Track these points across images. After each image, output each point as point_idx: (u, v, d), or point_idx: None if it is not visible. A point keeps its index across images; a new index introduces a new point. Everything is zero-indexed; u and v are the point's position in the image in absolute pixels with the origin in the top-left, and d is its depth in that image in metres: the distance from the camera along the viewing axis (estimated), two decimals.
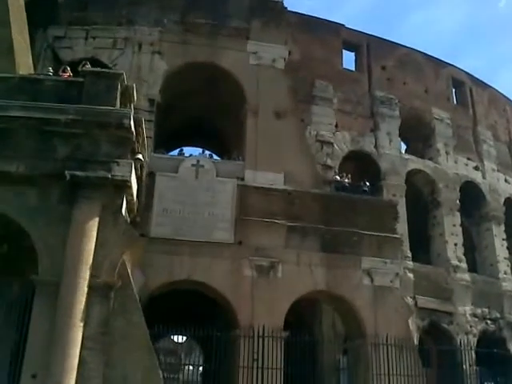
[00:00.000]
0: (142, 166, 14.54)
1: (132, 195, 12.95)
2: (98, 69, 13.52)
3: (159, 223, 17.53)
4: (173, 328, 14.92)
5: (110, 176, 11.69)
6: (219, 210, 18.01)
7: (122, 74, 12.90)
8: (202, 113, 22.95)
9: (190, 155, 19.81)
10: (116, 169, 11.82)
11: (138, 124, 12.88)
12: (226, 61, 20.31)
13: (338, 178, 21.26)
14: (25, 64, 13.74)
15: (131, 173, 12.10)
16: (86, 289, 11.08)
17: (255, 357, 15.20)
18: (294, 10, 24.23)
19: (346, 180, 21.02)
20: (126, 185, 12.10)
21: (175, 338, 35.93)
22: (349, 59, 27.40)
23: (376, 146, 25.27)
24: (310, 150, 21.56)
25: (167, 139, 21.77)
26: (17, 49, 13.08)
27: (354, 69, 27.51)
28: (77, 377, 10.52)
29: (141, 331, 11.47)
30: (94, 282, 11.21)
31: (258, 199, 18.45)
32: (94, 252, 11.41)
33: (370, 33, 27.77)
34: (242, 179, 18.89)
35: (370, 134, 25.48)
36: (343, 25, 26.97)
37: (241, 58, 20.41)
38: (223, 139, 24.85)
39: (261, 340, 14.98)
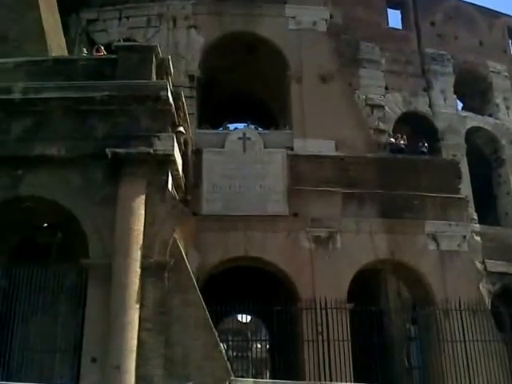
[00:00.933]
0: (186, 142, 14.10)
1: (177, 170, 12.51)
2: (131, 43, 13.11)
3: (210, 200, 17.14)
4: (234, 305, 14.50)
5: (151, 151, 11.27)
6: (270, 181, 17.45)
7: (156, 46, 12.45)
8: (245, 86, 22.29)
9: (235, 129, 19.28)
10: (157, 143, 11.39)
11: (176, 97, 12.46)
12: (265, 28, 19.62)
13: (392, 140, 20.19)
14: (57, 46, 13.48)
15: (174, 147, 11.62)
16: (138, 270, 10.80)
17: (319, 330, 14.62)
18: None
19: (402, 142, 19.96)
20: (169, 159, 11.66)
21: (240, 317, 36.02)
22: (394, 18, 26.12)
23: (430, 106, 23.85)
24: (360, 113, 20.57)
25: (211, 116, 21.28)
26: (48, 31, 12.82)
27: (400, 27, 26.15)
28: (137, 358, 10.30)
29: (198, 309, 11.11)
30: (145, 263, 10.92)
31: (310, 168, 17.76)
32: (144, 231, 11.07)
33: None
34: (292, 149, 18.24)
35: (423, 93, 24.07)
36: None
37: (279, 24, 19.70)
38: (268, 111, 24.10)
39: (324, 312, 14.34)
